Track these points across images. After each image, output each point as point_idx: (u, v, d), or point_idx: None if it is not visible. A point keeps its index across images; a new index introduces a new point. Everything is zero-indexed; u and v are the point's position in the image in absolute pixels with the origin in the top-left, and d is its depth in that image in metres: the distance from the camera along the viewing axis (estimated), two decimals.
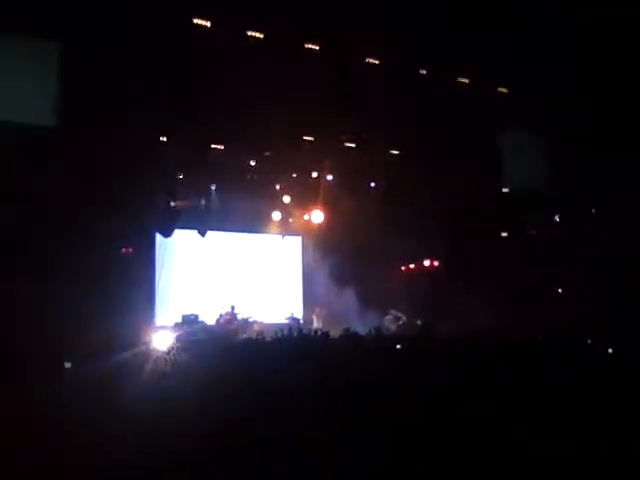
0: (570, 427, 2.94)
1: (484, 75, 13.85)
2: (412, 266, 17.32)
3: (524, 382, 3.68)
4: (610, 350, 6.60)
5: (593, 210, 16.79)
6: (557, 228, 16.81)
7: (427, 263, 17.25)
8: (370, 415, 3.16)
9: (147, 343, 8.79)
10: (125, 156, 12.09)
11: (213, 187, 15.50)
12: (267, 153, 14.90)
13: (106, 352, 6.82)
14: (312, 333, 11.30)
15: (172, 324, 13.69)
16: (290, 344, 8.72)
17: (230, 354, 6.31)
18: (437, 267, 17.20)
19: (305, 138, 14.13)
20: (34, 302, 10.45)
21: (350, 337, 10.17)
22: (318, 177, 16.11)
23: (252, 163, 15.27)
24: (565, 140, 15.80)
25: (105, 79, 10.58)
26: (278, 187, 16.10)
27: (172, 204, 14.39)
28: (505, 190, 17.41)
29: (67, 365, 7.17)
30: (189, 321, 13.64)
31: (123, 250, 13.86)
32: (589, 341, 7.98)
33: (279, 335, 10.46)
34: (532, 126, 16.97)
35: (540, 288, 16.29)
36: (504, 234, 17.59)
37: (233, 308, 15.04)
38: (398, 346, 8.93)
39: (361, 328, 11.94)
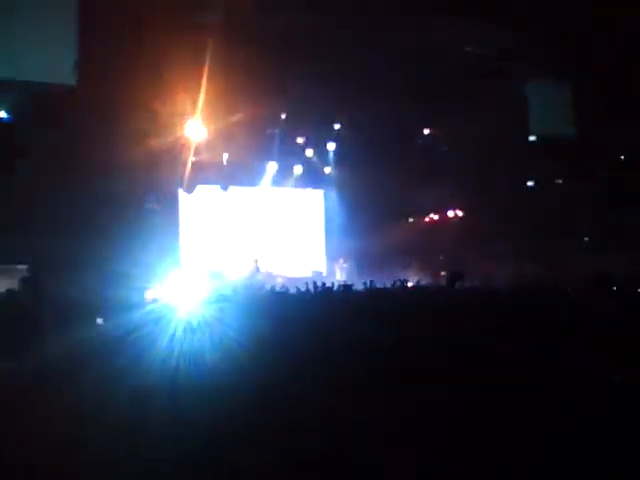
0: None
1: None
2: (436, 217, 17.16)
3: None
4: None
5: (622, 157, 16.36)
6: (584, 179, 16.41)
7: (451, 214, 17.08)
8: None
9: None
10: (147, 113, 12.04)
11: None
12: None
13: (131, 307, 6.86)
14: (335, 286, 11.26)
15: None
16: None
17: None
18: (461, 218, 17.03)
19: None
20: (64, 255, 10.62)
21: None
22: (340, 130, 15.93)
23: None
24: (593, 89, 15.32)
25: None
26: (300, 141, 15.94)
27: (194, 160, 14.34)
28: (532, 138, 17.01)
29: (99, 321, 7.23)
30: (215, 277, 13.72)
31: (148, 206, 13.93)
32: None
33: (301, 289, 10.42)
34: (559, 75, 16.46)
35: (568, 238, 16.07)
36: (530, 184, 17.28)
37: (256, 262, 15.10)
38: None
39: (384, 280, 11.91)
